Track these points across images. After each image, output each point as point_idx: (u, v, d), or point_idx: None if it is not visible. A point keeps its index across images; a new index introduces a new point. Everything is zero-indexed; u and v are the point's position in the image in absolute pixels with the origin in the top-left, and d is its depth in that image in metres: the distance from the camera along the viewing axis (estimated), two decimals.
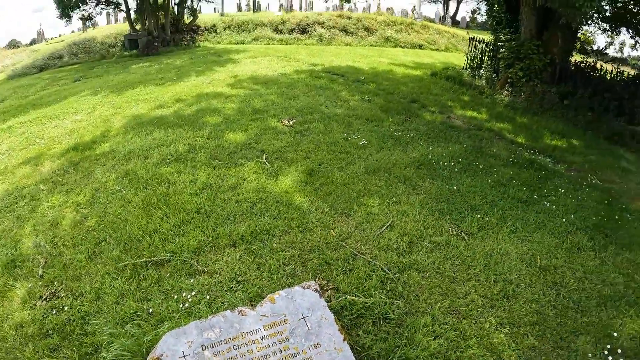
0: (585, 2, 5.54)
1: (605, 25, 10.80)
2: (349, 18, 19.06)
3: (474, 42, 11.36)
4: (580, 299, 3.12)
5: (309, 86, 8.58)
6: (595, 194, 5.13)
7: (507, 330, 2.76)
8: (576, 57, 10.74)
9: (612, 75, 9.46)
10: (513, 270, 3.36)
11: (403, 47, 18.67)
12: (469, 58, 11.40)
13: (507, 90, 9.49)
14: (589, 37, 12.65)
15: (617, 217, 4.58)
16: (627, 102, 8.76)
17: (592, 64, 9.91)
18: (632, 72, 10.07)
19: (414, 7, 26.27)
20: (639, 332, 2.88)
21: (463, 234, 3.78)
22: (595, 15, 10.08)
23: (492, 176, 5.12)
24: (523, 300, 3.04)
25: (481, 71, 10.67)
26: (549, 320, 2.88)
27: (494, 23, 10.77)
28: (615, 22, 10.64)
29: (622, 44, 11.73)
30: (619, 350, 2.67)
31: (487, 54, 10.98)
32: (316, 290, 2.61)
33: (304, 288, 2.60)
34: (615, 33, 11.47)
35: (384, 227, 3.76)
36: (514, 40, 9.38)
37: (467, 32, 11.76)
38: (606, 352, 2.65)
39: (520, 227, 4.02)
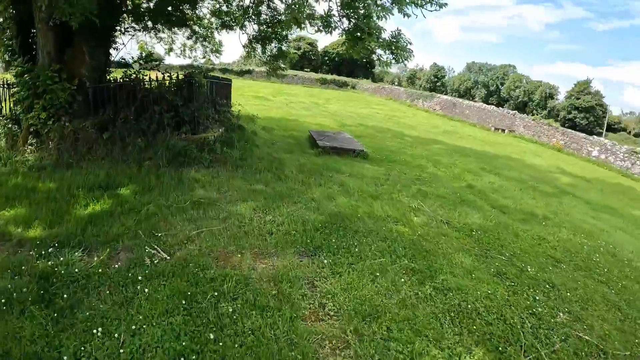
0: None
1: (156, 28, 9.42)
2: None
3: None
4: None
5: None
6: (165, 292, 3.15)
7: None
8: (118, 73, 8.17)
9: (160, 83, 7.48)
10: None
11: None
12: None
13: (32, 145, 6.60)
14: (147, 48, 10.52)
15: (212, 335, 2.72)
16: (183, 109, 7.09)
17: (136, 75, 7.70)
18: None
19: None
20: None
21: None
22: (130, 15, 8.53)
23: None
24: None
25: None
26: None
27: (8, 54, 7.33)
28: (166, 23, 9.36)
29: (184, 46, 11.44)
30: None
31: (4, 101, 7.55)
32: None
33: None
34: (164, 35, 10.25)
35: None
36: (30, 72, 6.51)
37: None
38: None
39: None
